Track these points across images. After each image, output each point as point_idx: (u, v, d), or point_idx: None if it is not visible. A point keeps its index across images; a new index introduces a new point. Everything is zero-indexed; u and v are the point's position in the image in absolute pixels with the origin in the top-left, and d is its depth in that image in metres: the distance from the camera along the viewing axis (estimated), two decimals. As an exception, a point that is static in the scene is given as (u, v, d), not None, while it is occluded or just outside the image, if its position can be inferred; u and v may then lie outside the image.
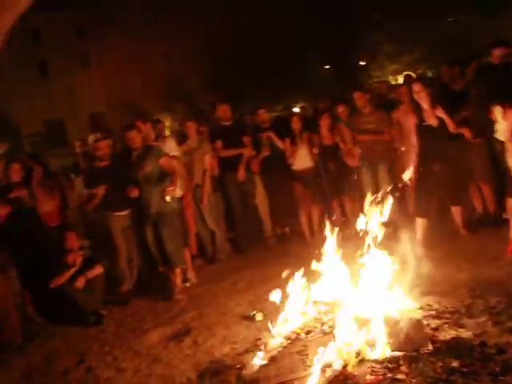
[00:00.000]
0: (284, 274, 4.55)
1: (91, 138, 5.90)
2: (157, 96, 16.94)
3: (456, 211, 5.84)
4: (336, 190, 6.92)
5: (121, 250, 5.98)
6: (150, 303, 5.68)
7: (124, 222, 5.96)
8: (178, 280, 5.79)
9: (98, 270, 5.57)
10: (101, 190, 5.69)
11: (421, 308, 4.00)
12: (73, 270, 5.37)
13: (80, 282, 5.37)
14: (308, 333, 3.81)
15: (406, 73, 9.85)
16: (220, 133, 7.02)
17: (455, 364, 3.15)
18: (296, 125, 6.86)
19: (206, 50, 16.83)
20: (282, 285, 4.89)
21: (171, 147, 6.15)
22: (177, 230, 5.81)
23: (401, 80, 11.91)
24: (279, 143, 6.92)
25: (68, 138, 24.89)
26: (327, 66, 18.24)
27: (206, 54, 16.93)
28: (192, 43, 16.69)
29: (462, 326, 3.69)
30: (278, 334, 3.98)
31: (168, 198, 5.45)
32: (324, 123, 6.88)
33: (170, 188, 5.47)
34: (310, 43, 15.52)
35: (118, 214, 5.91)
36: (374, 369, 3.25)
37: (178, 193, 5.89)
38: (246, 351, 4.01)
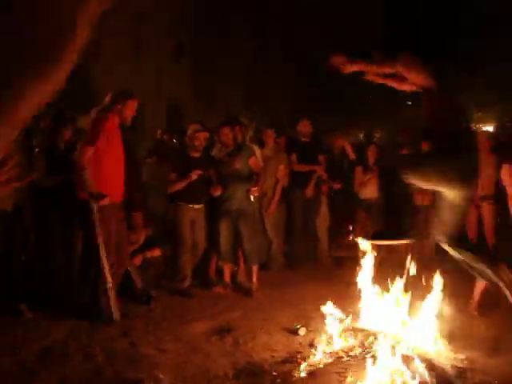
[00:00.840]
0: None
1: (191, 128, 6.03)
2: (239, 97, 17.25)
3: None
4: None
5: (186, 243, 5.90)
6: (198, 296, 5.82)
7: (195, 215, 5.96)
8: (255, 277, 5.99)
9: (156, 252, 5.79)
10: (194, 175, 5.70)
11: (465, 361, 3.91)
12: (135, 247, 5.61)
13: (138, 260, 5.60)
14: (350, 356, 3.81)
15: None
16: (297, 146, 7.13)
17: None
18: (372, 156, 6.90)
19: (296, 63, 17.03)
20: (330, 304, 4.98)
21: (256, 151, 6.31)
22: (256, 229, 6.01)
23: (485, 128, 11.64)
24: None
25: (145, 120, 25.51)
26: (409, 103, 17.91)
27: (295, 66, 17.11)
28: (284, 55, 16.98)
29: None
30: (319, 351, 4.00)
31: (252, 198, 5.72)
32: None
33: (255, 188, 5.71)
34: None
35: (192, 205, 5.92)
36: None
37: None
38: (285, 361, 4.06)
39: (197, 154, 5.90)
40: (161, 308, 5.41)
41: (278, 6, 17.07)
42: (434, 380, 3.43)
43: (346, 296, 4.82)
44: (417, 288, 4.33)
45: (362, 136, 12.82)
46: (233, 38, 17.80)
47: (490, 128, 11.02)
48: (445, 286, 4.25)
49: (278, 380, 3.71)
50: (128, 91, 5.09)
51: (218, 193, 5.80)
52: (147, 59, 19.52)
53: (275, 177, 6.76)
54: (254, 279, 5.96)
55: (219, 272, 6.21)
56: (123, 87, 5.80)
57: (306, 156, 7.01)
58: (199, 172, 5.71)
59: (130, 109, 4.96)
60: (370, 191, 7.01)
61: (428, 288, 4.28)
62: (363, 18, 16.20)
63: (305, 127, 7.15)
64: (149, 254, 5.71)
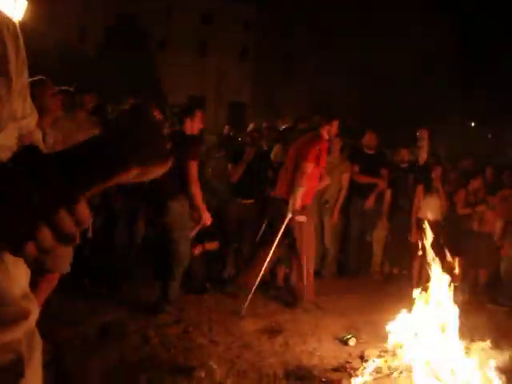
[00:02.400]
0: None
1: (250, 126, 6.35)
2: (303, 103, 17.37)
3: None
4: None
5: (229, 238, 6.19)
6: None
7: (243, 211, 6.17)
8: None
9: (214, 246, 5.92)
10: (250, 155, 6.02)
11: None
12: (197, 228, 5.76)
13: (198, 250, 5.74)
14: (400, 373, 3.79)
15: None
16: (361, 158, 7.12)
17: None
18: (436, 174, 6.79)
19: (360, 76, 16.99)
20: (383, 319, 4.96)
21: None
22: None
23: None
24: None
25: (206, 117, 26.10)
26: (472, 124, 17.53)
27: (359, 79, 17.07)
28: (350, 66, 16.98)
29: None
30: (370, 364, 4.00)
31: None
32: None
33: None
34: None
35: (240, 200, 6.16)
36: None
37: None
38: (334, 370, 4.09)
39: (252, 150, 6.18)
40: (213, 300, 5.54)
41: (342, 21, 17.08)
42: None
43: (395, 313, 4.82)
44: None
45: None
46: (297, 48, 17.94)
47: None
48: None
49: (327, 386, 3.74)
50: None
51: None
52: (212, 59, 19.95)
53: (339, 185, 6.77)
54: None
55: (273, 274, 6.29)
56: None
57: (369, 168, 6.99)
58: (253, 150, 6.06)
59: (335, 127, 5.51)
60: (430, 212, 6.84)
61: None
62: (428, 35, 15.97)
63: (370, 140, 7.14)
64: (207, 246, 5.84)
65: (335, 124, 5.51)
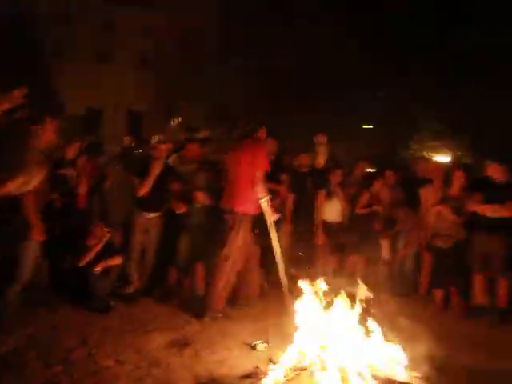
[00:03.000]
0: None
1: (154, 138, 6.25)
2: (201, 110, 17.37)
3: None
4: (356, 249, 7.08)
5: (135, 250, 6.05)
6: (156, 307, 5.78)
7: (149, 224, 6.07)
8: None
9: (117, 261, 5.75)
10: (157, 169, 5.93)
11: (419, 378, 4.08)
12: (93, 253, 5.59)
13: (99, 267, 5.56)
14: (309, 373, 3.90)
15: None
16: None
17: None
18: (336, 179, 7.05)
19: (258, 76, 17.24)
20: (289, 321, 5.08)
21: None
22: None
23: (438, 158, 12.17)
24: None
25: (102, 128, 25.37)
26: (367, 126, 18.48)
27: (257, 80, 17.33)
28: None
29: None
30: (278, 367, 4.07)
31: (198, 204, 5.89)
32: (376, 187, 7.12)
33: (201, 192, 5.87)
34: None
35: (147, 214, 6.04)
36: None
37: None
38: (244, 376, 4.13)
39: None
40: (119, 318, 5.37)
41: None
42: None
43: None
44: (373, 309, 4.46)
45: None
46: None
47: (444, 158, 11.52)
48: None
49: (238, 395, 3.76)
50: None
51: (181, 210, 5.94)
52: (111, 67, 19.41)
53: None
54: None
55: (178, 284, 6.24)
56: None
57: (271, 174, 7.08)
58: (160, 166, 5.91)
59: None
60: (332, 215, 7.11)
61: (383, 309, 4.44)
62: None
63: (271, 146, 7.26)
64: (110, 262, 5.67)
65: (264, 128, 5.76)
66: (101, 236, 5.71)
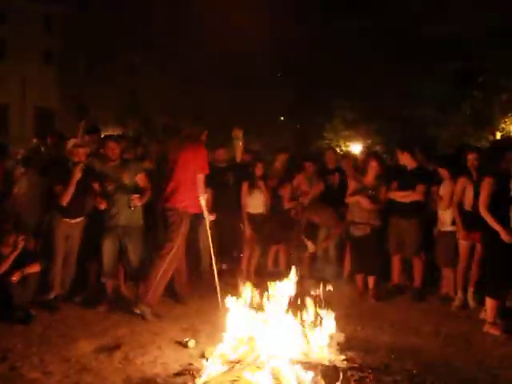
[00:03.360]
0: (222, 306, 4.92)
1: (70, 142, 5.96)
2: (112, 106, 16.85)
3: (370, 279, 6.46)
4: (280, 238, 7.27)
5: (58, 256, 5.82)
6: (81, 313, 5.66)
7: (70, 230, 5.89)
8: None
9: (35, 268, 5.54)
10: (78, 174, 5.71)
11: (347, 360, 4.30)
12: (9, 261, 5.35)
13: (16, 276, 5.33)
14: (242, 365, 3.98)
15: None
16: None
17: (373, 413, 3.46)
18: (258, 172, 7.19)
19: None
20: (218, 317, 5.16)
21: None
22: (141, 245, 5.97)
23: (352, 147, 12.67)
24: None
25: (10, 127, 24.00)
26: (282, 118, 18.82)
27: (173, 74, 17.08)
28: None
29: (381, 381, 4.01)
30: (211, 362, 4.12)
31: (132, 207, 5.72)
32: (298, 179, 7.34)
33: (137, 196, 5.74)
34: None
35: (68, 220, 5.84)
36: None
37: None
38: (178, 374, 4.15)
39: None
40: (42, 327, 5.19)
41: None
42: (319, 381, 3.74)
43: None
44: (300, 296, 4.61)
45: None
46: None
47: (358, 147, 12.00)
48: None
49: (174, 393, 3.78)
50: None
51: (102, 206, 5.78)
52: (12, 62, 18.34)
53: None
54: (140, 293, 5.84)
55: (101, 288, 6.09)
56: None
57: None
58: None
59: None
60: (256, 206, 7.24)
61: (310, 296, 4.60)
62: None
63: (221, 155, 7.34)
64: (27, 270, 5.45)
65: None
66: (15, 244, 5.46)
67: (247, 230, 7.06)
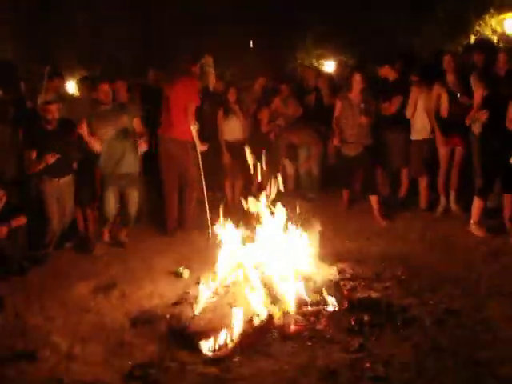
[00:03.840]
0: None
1: (41, 98, 5.67)
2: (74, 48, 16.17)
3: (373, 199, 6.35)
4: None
5: (53, 218, 5.66)
6: (73, 258, 5.68)
7: (61, 191, 5.68)
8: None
9: (21, 221, 5.50)
10: (51, 159, 5.40)
11: (338, 272, 4.45)
12: None
13: (4, 230, 5.31)
14: (237, 287, 4.10)
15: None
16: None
17: (366, 318, 3.63)
18: (232, 97, 7.08)
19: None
20: (209, 245, 5.27)
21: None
22: (139, 191, 5.99)
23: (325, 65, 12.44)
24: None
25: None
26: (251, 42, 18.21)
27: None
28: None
29: (372, 289, 4.19)
30: (207, 288, 4.24)
31: (140, 152, 5.75)
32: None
33: (142, 141, 5.70)
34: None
35: (57, 180, 5.63)
36: (297, 320, 3.64)
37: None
38: (175, 303, 4.27)
39: (51, 127, 5.57)
40: (38, 277, 5.20)
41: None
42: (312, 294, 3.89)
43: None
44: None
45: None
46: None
47: (331, 64, 11.79)
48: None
49: (174, 321, 3.91)
50: None
51: (98, 147, 5.64)
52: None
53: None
54: (124, 235, 6.01)
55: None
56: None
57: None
58: (56, 156, 5.42)
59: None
60: (233, 133, 7.19)
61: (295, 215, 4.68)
62: None
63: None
64: (14, 224, 5.42)
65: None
66: None
67: (226, 159, 7.07)
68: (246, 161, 6.63)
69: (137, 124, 5.86)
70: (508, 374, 2.96)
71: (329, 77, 8.45)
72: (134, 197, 5.88)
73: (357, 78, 6.28)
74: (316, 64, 13.08)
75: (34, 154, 5.49)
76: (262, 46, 14.47)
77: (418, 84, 6.22)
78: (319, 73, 8.59)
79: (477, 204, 5.46)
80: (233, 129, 7.08)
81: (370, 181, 6.42)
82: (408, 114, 6.29)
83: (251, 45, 16.84)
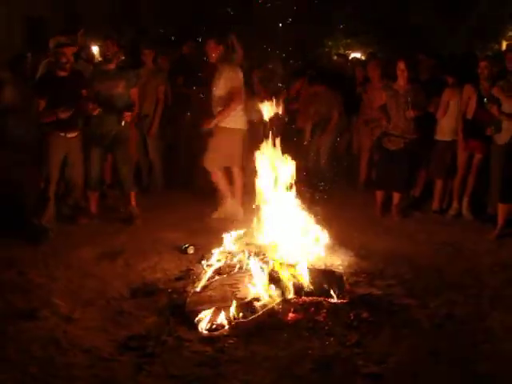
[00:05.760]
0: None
1: (52, 41, 5.49)
2: (106, 14, 16.07)
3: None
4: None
5: (53, 180, 5.51)
6: (82, 225, 5.68)
7: (69, 146, 5.48)
8: (134, 202, 5.91)
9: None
10: (62, 114, 5.26)
11: (342, 265, 4.44)
12: None
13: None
14: (240, 269, 4.11)
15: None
16: (183, 68, 7.06)
17: (365, 315, 3.61)
18: (255, 78, 7.02)
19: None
20: (216, 221, 5.28)
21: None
22: (130, 154, 5.94)
23: (353, 55, 12.30)
24: None
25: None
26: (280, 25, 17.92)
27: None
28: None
29: (374, 286, 4.17)
30: (210, 266, 4.25)
31: (123, 123, 5.55)
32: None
33: (129, 113, 5.56)
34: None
35: (65, 134, 5.42)
36: (296, 308, 3.64)
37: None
38: (178, 279, 4.30)
39: (64, 73, 5.35)
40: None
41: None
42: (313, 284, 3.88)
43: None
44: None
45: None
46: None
47: (358, 55, 11.67)
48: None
49: (175, 295, 3.93)
50: None
51: (96, 112, 5.43)
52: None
53: (155, 98, 6.67)
54: (134, 204, 5.88)
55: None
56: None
57: (193, 78, 6.94)
58: (67, 112, 5.27)
59: None
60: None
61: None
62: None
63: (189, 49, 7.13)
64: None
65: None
66: None
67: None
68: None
69: (133, 93, 5.78)
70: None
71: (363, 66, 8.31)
72: (122, 161, 5.76)
73: (401, 66, 5.86)
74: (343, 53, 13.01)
75: (42, 104, 5.34)
76: (290, 31, 14.33)
77: (453, 85, 6.10)
78: (355, 61, 8.52)
79: (501, 209, 5.50)
80: (254, 109, 7.03)
81: (403, 177, 6.13)
82: (439, 114, 6.16)
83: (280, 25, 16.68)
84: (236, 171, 5.93)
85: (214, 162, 5.85)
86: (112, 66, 5.68)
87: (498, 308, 3.88)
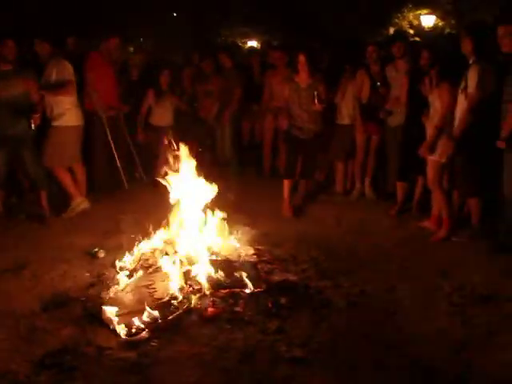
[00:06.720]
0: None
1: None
2: None
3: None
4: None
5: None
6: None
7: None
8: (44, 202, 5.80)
9: None
10: None
11: (255, 254, 4.50)
12: None
13: None
14: (155, 269, 4.04)
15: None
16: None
17: (283, 301, 3.70)
18: (164, 81, 6.97)
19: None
20: (126, 223, 5.15)
21: None
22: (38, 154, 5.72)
23: (250, 44, 12.42)
24: None
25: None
26: (175, 14, 17.66)
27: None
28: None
29: (289, 271, 4.27)
30: (123, 269, 4.14)
31: (33, 126, 5.39)
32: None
33: (37, 115, 5.42)
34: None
35: None
36: (214, 302, 3.65)
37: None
38: (91, 285, 4.12)
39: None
40: None
41: None
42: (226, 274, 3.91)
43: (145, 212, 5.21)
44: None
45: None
46: None
47: (254, 43, 11.79)
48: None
49: (89, 303, 3.77)
50: None
51: None
52: None
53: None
54: (44, 204, 5.74)
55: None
56: None
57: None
58: None
59: None
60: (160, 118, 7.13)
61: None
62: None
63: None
64: None
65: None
66: None
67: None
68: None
69: (34, 93, 5.51)
70: (416, 353, 3.14)
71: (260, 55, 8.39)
72: (30, 159, 5.62)
73: (301, 60, 5.73)
74: (239, 42, 13.04)
75: None
76: (184, 20, 14.14)
77: (349, 71, 6.33)
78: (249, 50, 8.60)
79: (399, 187, 5.88)
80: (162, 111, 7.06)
81: (311, 165, 6.23)
82: (337, 99, 6.37)
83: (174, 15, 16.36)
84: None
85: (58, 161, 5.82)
86: (8, 67, 5.39)
87: (405, 279, 4.15)
